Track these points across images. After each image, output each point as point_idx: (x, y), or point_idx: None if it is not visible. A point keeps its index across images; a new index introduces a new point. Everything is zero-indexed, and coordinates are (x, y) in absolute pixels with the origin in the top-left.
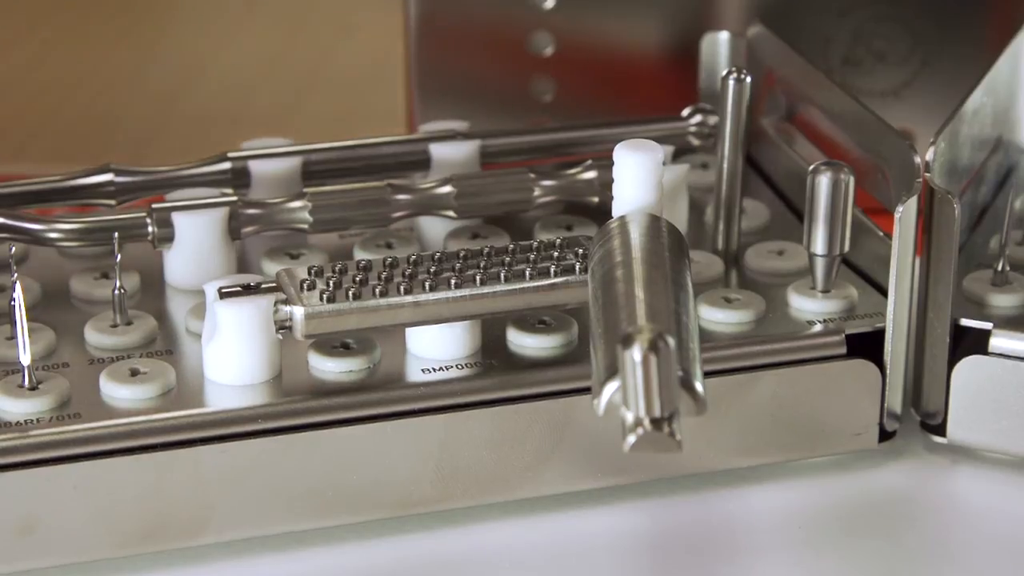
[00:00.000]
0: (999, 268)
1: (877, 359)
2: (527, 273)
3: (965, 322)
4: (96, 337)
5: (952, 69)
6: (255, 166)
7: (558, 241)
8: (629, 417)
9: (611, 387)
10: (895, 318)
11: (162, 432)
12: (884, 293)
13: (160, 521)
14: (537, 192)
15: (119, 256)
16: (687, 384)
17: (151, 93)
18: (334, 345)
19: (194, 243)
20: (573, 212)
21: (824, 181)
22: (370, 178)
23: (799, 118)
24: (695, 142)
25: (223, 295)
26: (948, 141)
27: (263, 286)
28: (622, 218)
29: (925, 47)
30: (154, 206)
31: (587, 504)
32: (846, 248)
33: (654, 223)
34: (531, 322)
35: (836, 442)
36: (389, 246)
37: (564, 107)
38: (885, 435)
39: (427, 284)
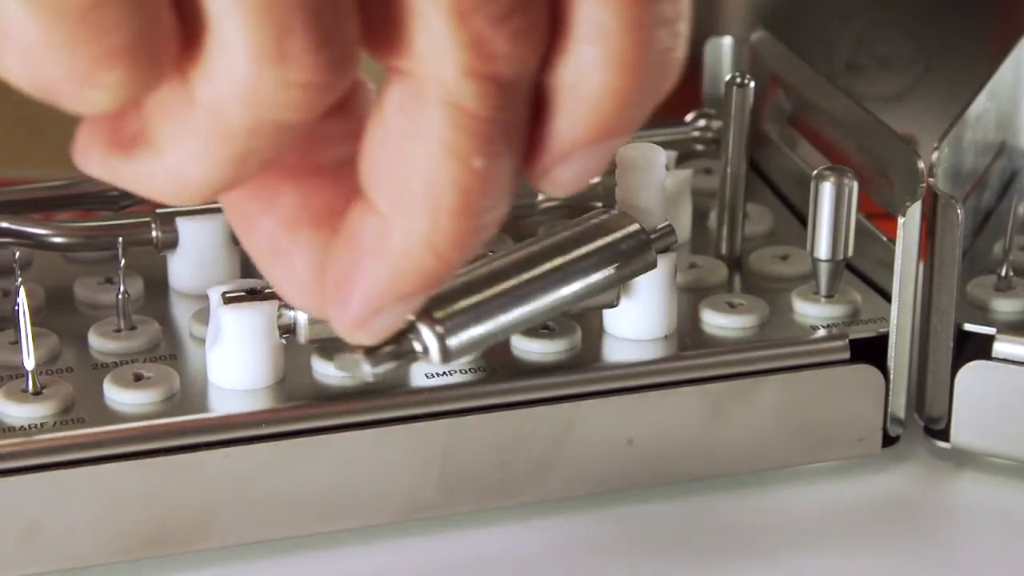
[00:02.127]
0: (1003, 273)
1: (881, 364)
2: None
3: (969, 327)
4: (100, 342)
5: (955, 74)
6: None
7: None
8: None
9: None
10: (899, 323)
11: (166, 437)
12: (888, 298)
13: (164, 526)
14: (540, 196)
15: (123, 261)
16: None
17: None
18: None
19: (198, 248)
20: (576, 216)
21: (828, 186)
22: None
23: (802, 123)
24: (698, 147)
25: (227, 300)
26: (951, 146)
27: (267, 291)
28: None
29: (928, 52)
30: (158, 211)
31: (590, 509)
32: (850, 253)
33: (615, 221)
34: (534, 327)
35: (840, 447)
36: None
37: None
38: (889, 440)
39: None
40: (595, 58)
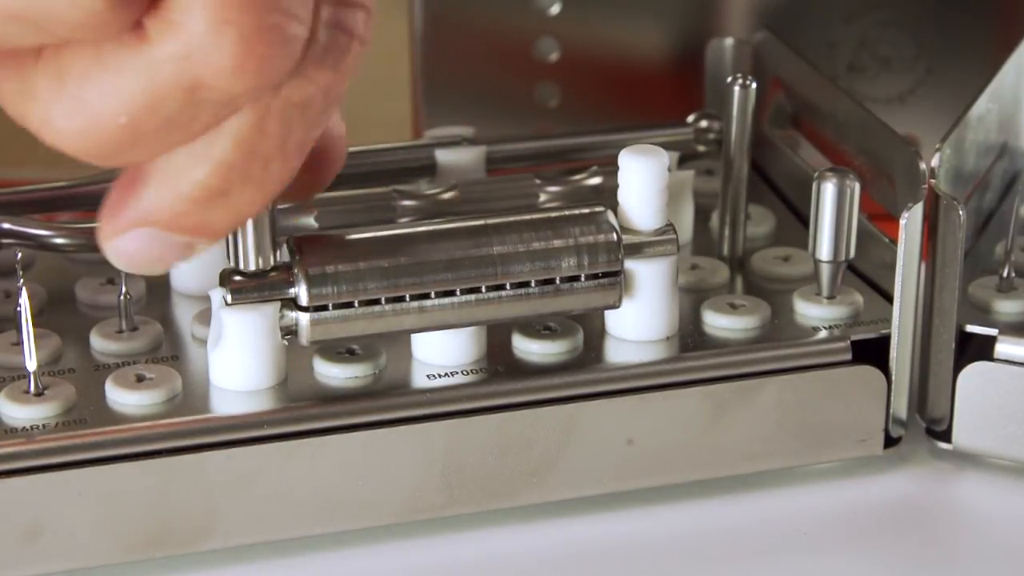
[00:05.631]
0: (1004, 274)
1: (882, 365)
2: (532, 280)
3: (970, 328)
4: (102, 343)
5: (957, 75)
6: None
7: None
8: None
9: None
10: (900, 324)
11: (168, 438)
12: (889, 299)
13: (166, 527)
14: (542, 198)
15: None
16: None
17: None
18: (339, 351)
19: None
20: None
21: (830, 187)
22: (376, 184)
23: (804, 124)
24: (700, 148)
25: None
26: (953, 147)
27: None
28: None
29: (930, 53)
30: None
31: (592, 510)
32: (851, 254)
33: (589, 218)
34: (536, 328)
35: (841, 448)
36: None
37: (569, 113)
38: (890, 441)
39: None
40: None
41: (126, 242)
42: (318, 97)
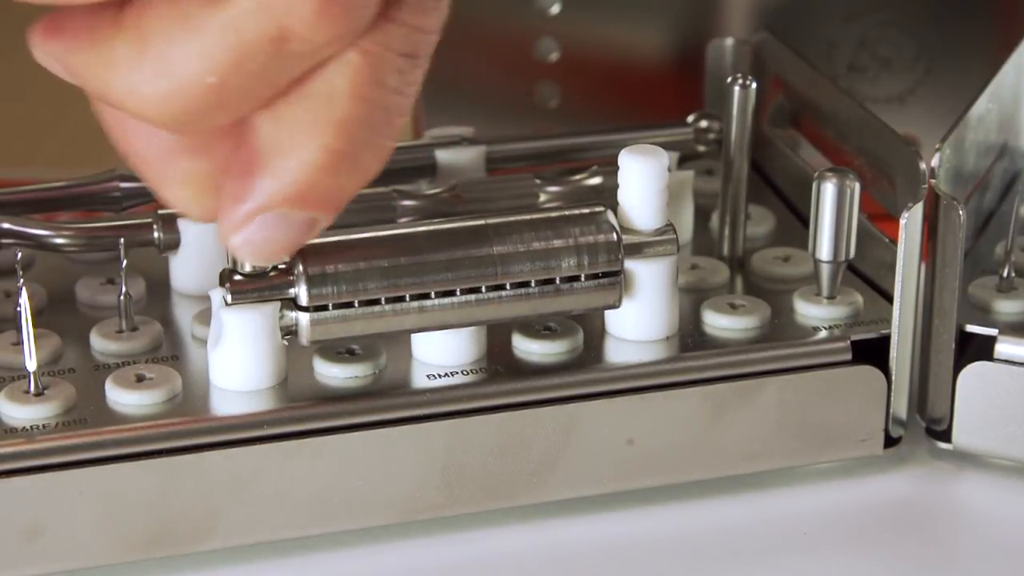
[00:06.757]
0: (1004, 274)
1: (882, 365)
2: (532, 280)
3: (970, 328)
4: (102, 343)
5: (957, 75)
6: None
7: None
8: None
9: None
10: (900, 324)
11: (168, 438)
12: (889, 299)
13: (166, 527)
14: (542, 198)
15: (125, 262)
16: None
17: None
18: (339, 351)
19: (200, 249)
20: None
21: (830, 187)
22: (376, 184)
23: (804, 124)
24: (700, 148)
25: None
26: (953, 147)
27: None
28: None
29: (930, 54)
30: (160, 212)
31: (592, 510)
32: (851, 254)
33: (588, 219)
34: (536, 328)
35: (841, 448)
36: None
37: (569, 113)
38: (890, 441)
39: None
40: (317, 114)
41: (253, 231)
42: (423, 41)
